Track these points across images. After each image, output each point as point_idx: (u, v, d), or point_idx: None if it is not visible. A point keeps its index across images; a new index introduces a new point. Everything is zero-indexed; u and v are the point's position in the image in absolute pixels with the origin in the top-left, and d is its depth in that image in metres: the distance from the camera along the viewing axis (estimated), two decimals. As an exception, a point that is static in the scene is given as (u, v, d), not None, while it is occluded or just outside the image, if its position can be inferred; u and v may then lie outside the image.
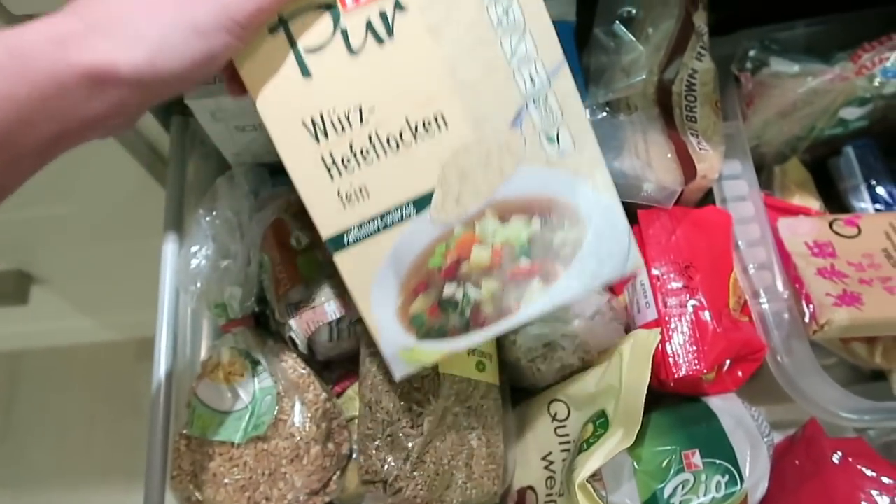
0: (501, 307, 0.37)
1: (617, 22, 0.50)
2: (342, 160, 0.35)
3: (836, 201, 0.59)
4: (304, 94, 0.34)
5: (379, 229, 0.36)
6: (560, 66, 0.35)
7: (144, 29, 0.29)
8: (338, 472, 0.49)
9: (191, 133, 0.61)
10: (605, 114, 0.48)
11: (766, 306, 0.48)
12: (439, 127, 0.35)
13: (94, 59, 0.28)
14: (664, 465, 0.43)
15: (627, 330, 0.50)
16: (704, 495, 0.42)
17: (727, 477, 0.43)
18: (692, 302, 0.46)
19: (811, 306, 0.47)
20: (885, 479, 0.42)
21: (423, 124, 0.35)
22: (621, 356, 0.44)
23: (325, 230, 0.36)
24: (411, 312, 0.37)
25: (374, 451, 0.44)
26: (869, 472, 0.42)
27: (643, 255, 0.48)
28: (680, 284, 0.46)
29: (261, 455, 0.47)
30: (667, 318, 0.45)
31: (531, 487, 0.49)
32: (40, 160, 0.30)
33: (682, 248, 0.48)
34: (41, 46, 0.27)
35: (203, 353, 0.54)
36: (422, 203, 0.36)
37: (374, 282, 0.37)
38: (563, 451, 0.48)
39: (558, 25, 0.53)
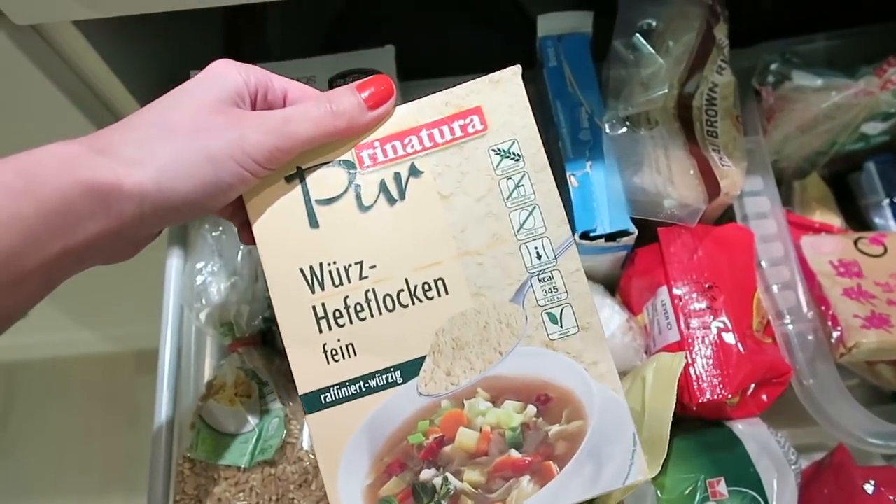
0: None
1: (637, 34, 0.48)
2: (334, 314, 0.34)
3: (856, 218, 0.57)
4: (308, 242, 0.34)
5: (360, 392, 0.33)
6: (568, 244, 0.34)
7: (155, 150, 0.29)
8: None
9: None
10: (625, 129, 0.47)
11: (790, 327, 0.47)
12: (439, 293, 0.34)
13: (98, 174, 0.28)
14: (688, 493, 0.41)
15: (647, 351, 0.48)
16: (730, 525, 0.41)
17: (754, 506, 0.41)
18: (716, 323, 0.44)
19: (839, 328, 0.45)
20: (919, 510, 0.40)
21: (423, 288, 0.34)
22: (644, 381, 0.42)
23: (304, 386, 0.33)
24: (380, 495, 0.33)
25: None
26: (902, 503, 0.40)
27: (665, 273, 0.47)
28: (703, 305, 0.45)
29: (268, 480, 0.45)
30: (689, 341, 0.44)
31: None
32: (45, 283, 0.29)
33: (704, 268, 0.46)
34: (51, 164, 0.28)
35: (207, 373, 0.52)
36: (410, 370, 0.33)
37: (346, 452, 0.33)
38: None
39: (574, 37, 0.52)
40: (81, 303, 0.95)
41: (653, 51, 0.48)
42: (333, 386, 0.33)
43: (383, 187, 0.34)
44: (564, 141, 0.49)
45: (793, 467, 0.43)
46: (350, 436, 0.33)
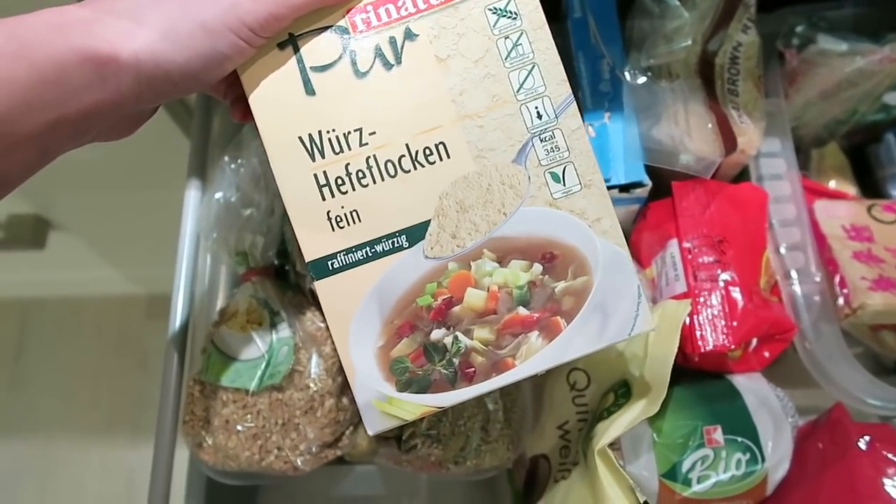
0: (495, 361, 0.34)
1: (664, -14, 0.48)
2: (336, 181, 0.34)
3: (873, 189, 0.57)
4: (305, 111, 0.33)
5: (367, 258, 0.34)
6: (568, 102, 0.34)
7: (150, 19, 0.29)
8: (351, 427, 0.48)
9: (218, 82, 0.60)
10: (645, 79, 0.47)
11: (796, 288, 0.47)
12: (440, 156, 0.34)
13: (93, 43, 0.27)
14: (684, 438, 0.42)
15: (653, 303, 0.49)
16: (724, 472, 0.42)
17: (748, 455, 0.42)
18: (724, 276, 0.45)
19: (845, 290, 0.46)
20: (911, 468, 0.41)
21: (424, 152, 0.34)
22: (648, 326, 0.43)
23: (310, 253, 0.34)
24: (393, 356, 0.34)
25: (390, 407, 0.43)
26: None
27: (676, 226, 0.47)
28: (712, 258, 0.45)
29: (275, 404, 0.46)
30: (696, 292, 0.45)
31: (544, 456, 0.48)
32: (38, 152, 0.29)
33: (715, 223, 0.47)
34: (42, 30, 0.27)
35: (220, 302, 0.54)
36: (415, 234, 0.34)
37: (356, 315, 0.34)
38: (579, 420, 0.47)
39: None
40: (102, 240, 0.96)
41: (678, 3, 0.48)
42: (340, 252, 0.34)
43: (378, 52, 0.33)
44: (584, 91, 0.49)
45: (790, 419, 0.44)
46: (359, 300, 0.34)
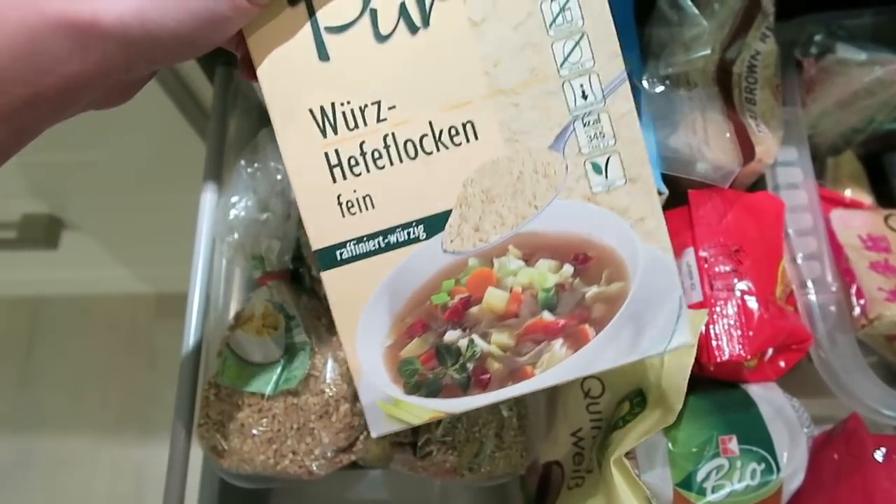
0: (512, 368, 0.31)
1: (682, -5, 0.48)
2: (349, 161, 0.30)
3: (888, 198, 0.57)
4: (318, 79, 0.30)
5: (379, 249, 0.31)
6: (620, 81, 0.29)
7: None
8: (365, 433, 0.48)
9: (234, 86, 0.61)
10: (663, 88, 0.47)
11: (812, 297, 0.47)
12: (467, 137, 0.30)
13: (70, 7, 0.24)
14: (700, 448, 0.42)
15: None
16: (739, 482, 0.42)
17: (763, 465, 0.42)
18: (740, 286, 0.44)
19: (862, 300, 0.46)
20: (928, 481, 0.41)
21: (449, 132, 0.30)
22: (664, 335, 0.43)
23: (317, 240, 0.31)
24: (402, 356, 0.31)
25: (405, 413, 0.43)
26: (911, 472, 0.41)
27: (692, 235, 0.47)
28: (728, 268, 0.45)
29: (290, 409, 0.47)
30: (713, 301, 0.44)
31: (558, 462, 0.48)
32: (14, 133, 0.26)
33: (732, 232, 0.47)
34: None
35: (235, 305, 0.54)
36: (434, 225, 0.30)
37: (364, 311, 0.31)
38: (593, 427, 0.47)
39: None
40: (115, 241, 0.96)
41: (697, 12, 0.48)
42: (350, 241, 0.31)
43: (403, 12, 0.29)
44: (601, 99, 0.49)
45: (805, 430, 0.44)
46: (369, 295, 0.31)
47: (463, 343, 0.31)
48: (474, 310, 0.31)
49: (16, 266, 1.06)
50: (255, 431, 0.46)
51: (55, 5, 0.24)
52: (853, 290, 0.47)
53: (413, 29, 0.29)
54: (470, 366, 0.31)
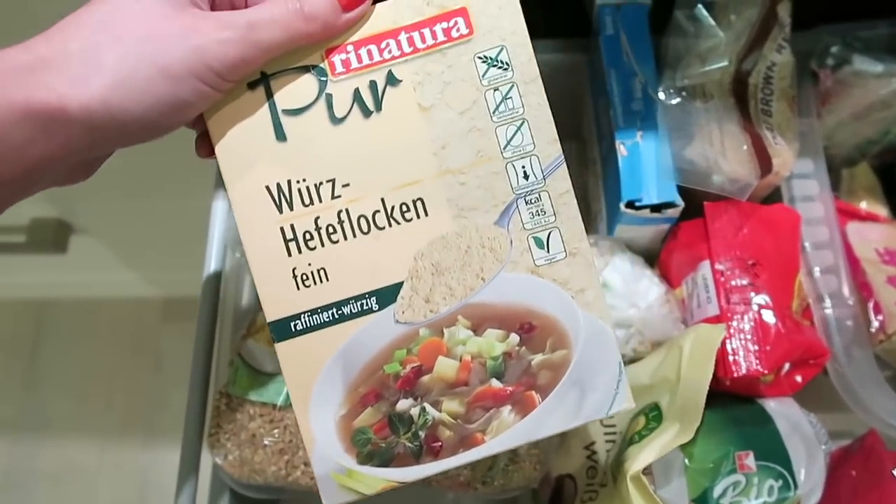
0: (463, 435, 0.32)
1: (699, 5, 0.48)
2: (304, 235, 0.31)
3: (904, 210, 0.57)
4: (275, 158, 0.31)
5: (333, 320, 0.32)
6: (559, 163, 0.32)
7: (106, 61, 0.25)
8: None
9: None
10: (679, 99, 0.47)
11: (829, 311, 0.47)
12: (418, 214, 0.31)
13: (36, 95, 0.24)
14: (716, 463, 0.42)
15: (684, 324, 0.48)
16: (756, 499, 0.41)
17: (780, 482, 0.42)
18: (757, 300, 0.44)
19: (880, 316, 0.45)
20: (947, 499, 0.40)
21: (401, 208, 0.31)
22: (681, 349, 0.43)
23: (272, 312, 0.32)
24: (355, 426, 0.32)
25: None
26: (930, 490, 0.40)
27: (708, 248, 0.47)
28: (745, 281, 0.45)
29: (302, 420, 0.46)
30: (729, 315, 0.44)
31: (570, 476, 0.48)
32: None
33: (748, 245, 0.46)
34: None
35: (245, 315, 0.53)
36: (386, 296, 0.32)
37: (318, 381, 0.32)
38: (607, 441, 0.47)
39: (632, 7, 0.52)
40: (123, 247, 0.96)
41: (714, 23, 0.47)
42: (304, 313, 0.32)
43: (357, 97, 0.31)
44: (616, 109, 0.49)
45: (823, 447, 0.43)
46: (323, 365, 0.32)
47: (415, 411, 0.32)
48: (426, 378, 0.32)
49: (24, 270, 1.06)
50: (266, 442, 0.46)
51: (20, 92, 0.24)
52: (871, 304, 0.46)
53: (366, 113, 0.31)
54: (422, 434, 0.32)
